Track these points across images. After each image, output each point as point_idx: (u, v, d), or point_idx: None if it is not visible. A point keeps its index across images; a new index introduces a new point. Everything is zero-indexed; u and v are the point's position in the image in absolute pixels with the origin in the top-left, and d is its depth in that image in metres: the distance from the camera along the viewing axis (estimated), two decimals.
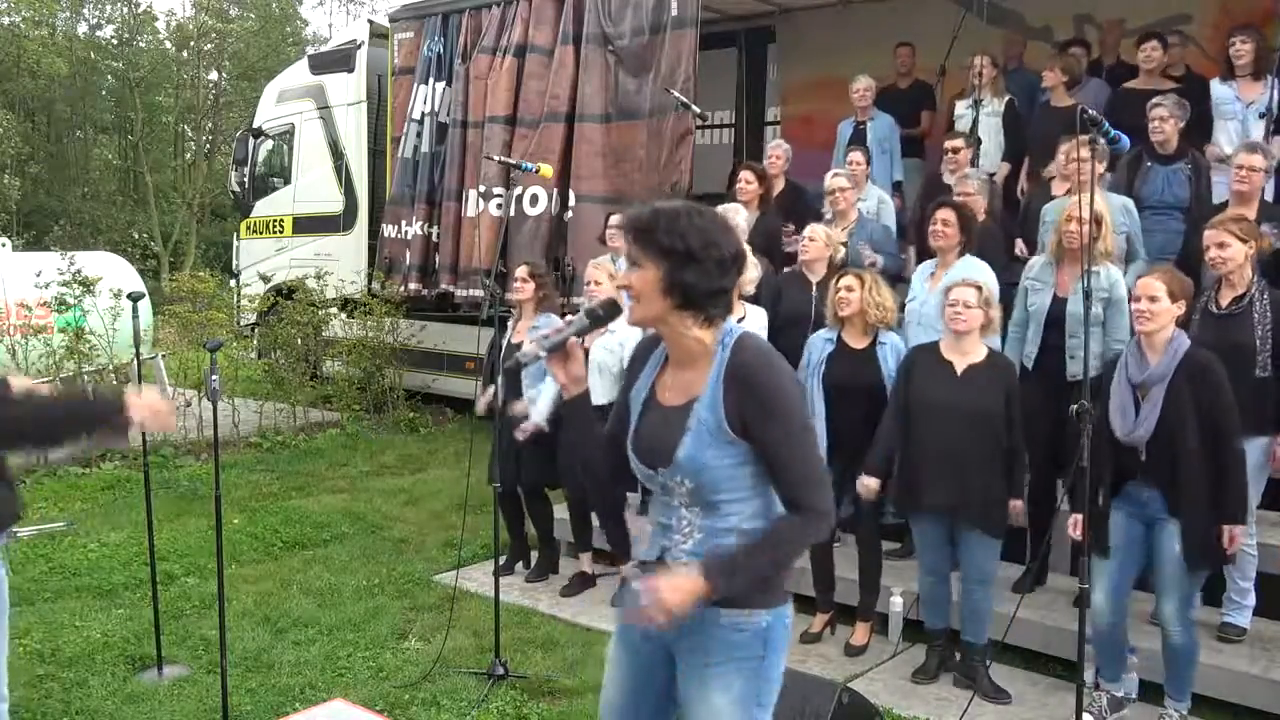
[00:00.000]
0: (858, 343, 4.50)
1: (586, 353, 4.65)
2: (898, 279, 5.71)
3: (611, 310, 2.21)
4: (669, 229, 2.07)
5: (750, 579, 2.08)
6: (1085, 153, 3.66)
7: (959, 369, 4.11)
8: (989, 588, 4.16)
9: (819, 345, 4.58)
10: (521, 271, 5.35)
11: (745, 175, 6.22)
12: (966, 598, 4.18)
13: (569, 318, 2.22)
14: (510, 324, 5.39)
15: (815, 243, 5.05)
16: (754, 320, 4.57)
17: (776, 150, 6.79)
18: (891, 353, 4.46)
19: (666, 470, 2.14)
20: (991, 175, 6.45)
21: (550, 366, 2.20)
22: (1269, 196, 5.26)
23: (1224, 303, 4.11)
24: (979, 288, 4.15)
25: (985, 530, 4.07)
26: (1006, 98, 6.67)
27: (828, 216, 5.85)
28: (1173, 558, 3.64)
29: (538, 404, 5.02)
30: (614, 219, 5.65)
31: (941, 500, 4.08)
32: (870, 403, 4.40)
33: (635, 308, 2.13)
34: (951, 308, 4.11)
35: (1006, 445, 4.05)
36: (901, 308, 5.39)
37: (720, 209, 5.44)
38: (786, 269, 5.77)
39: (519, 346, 5.31)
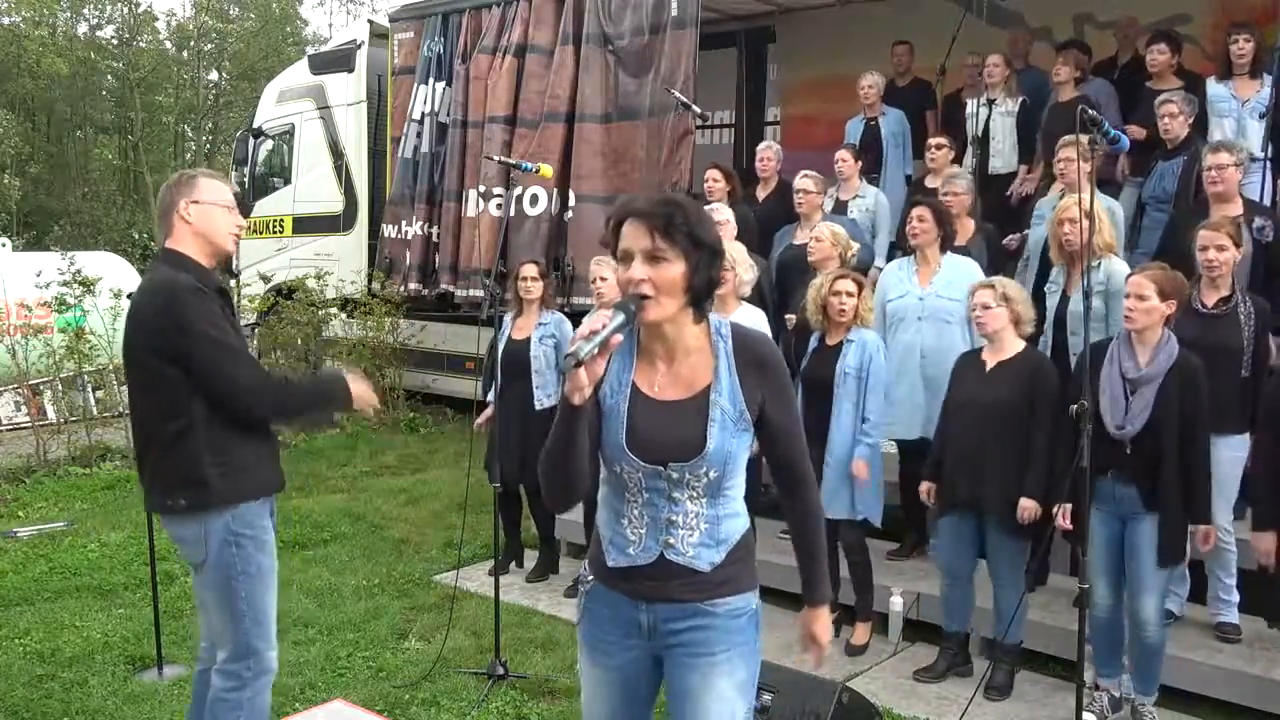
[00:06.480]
0: (832, 339, 4.55)
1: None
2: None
3: (640, 303, 2.01)
4: (698, 221, 1.99)
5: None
6: (1074, 153, 3.66)
7: (988, 366, 4.14)
8: (1018, 587, 4.11)
9: (811, 345, 4.67)
10: (532, 270, 5.43)
11: (711, 174, 6.29)
12: (995, 599, 4.18)
13: (602, 313, 1.94)
14: (508, 320, 5.40)
15: (822, 243, 5.03)
16: (751, 320, 4.53)
17: (766, 152, 6.87)
18: (858, 347, 4.44)
19: (689, 463, 2.04)
20: (1008, 175, 6.48)
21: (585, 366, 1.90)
22: (1267, 194, 5.28)
23: (1209, 302, 4.13)
24: (993, 286, 4.17)
25: (1006, 529, 4.04)
26: (1020, 98, 6.65)
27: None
28: (1149, 553, 3.67)
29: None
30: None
31: (965, 497, 4.09)
32: (822, 393, 4.45)
33: (654, 306, 1.98)
34: (974, 313, 4.18)
35: (1030, 441, 4.00)
36: None
37: (706, 210, 5.48)
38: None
39: (523, 343, 5.33)
